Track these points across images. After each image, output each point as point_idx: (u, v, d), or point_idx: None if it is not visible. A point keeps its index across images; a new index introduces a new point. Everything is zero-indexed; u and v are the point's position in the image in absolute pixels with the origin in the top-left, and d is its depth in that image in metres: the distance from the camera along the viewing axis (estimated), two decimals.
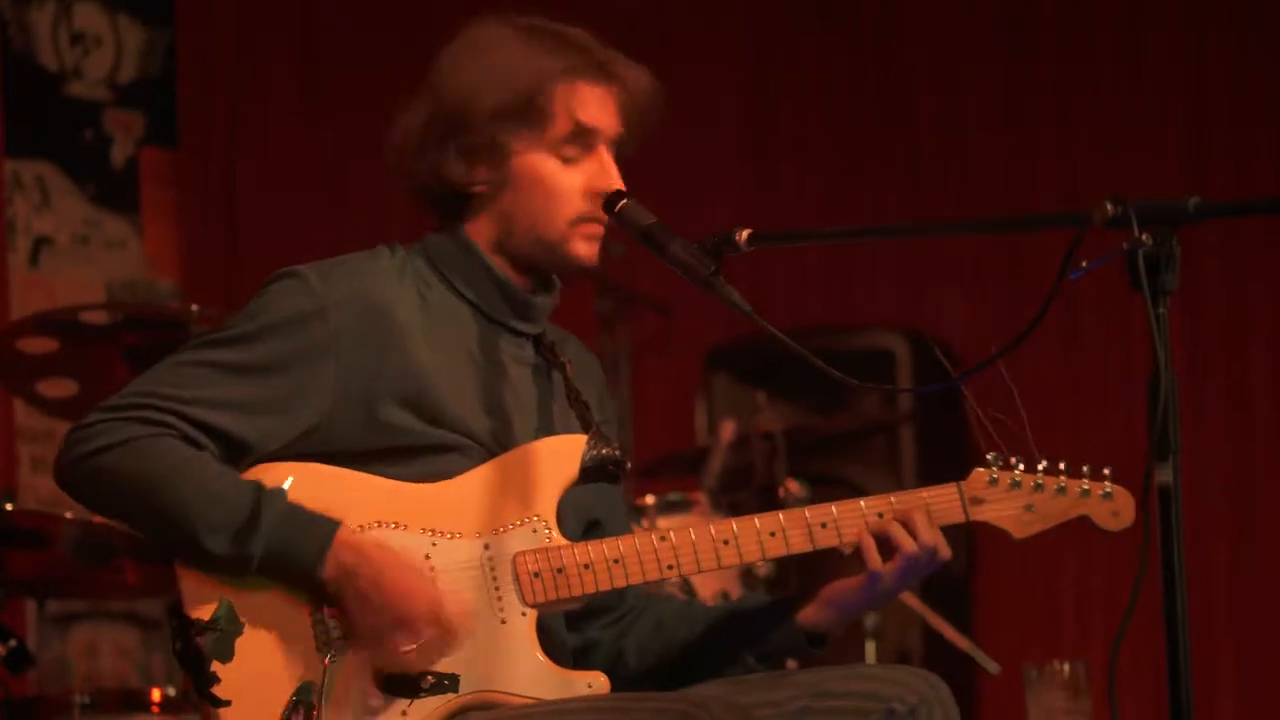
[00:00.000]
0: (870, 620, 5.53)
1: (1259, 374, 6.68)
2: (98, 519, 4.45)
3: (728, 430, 5.76)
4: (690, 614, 3.22)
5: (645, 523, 5.23)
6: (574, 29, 3.13)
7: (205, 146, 6.96)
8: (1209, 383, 6.63)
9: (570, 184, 3.04)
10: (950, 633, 4.73)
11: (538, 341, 3.16)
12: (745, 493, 5.72)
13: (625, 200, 3.00)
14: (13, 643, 4.30)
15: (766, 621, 3.14)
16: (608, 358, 6.73)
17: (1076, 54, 6.99)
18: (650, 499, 5.28)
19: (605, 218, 3.05)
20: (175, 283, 6.87)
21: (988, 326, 6.67)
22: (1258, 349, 6.68)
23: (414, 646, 2.85)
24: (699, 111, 7.12)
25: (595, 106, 3.08)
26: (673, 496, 5.35)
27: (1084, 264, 2.54)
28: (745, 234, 2.92)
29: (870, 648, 5.51)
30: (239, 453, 2.92)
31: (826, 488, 6.00)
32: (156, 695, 4.55)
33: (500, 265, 3.08)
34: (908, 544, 3.01)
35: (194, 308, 4.52)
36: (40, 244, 6.69)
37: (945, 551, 3.04)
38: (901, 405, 6.64)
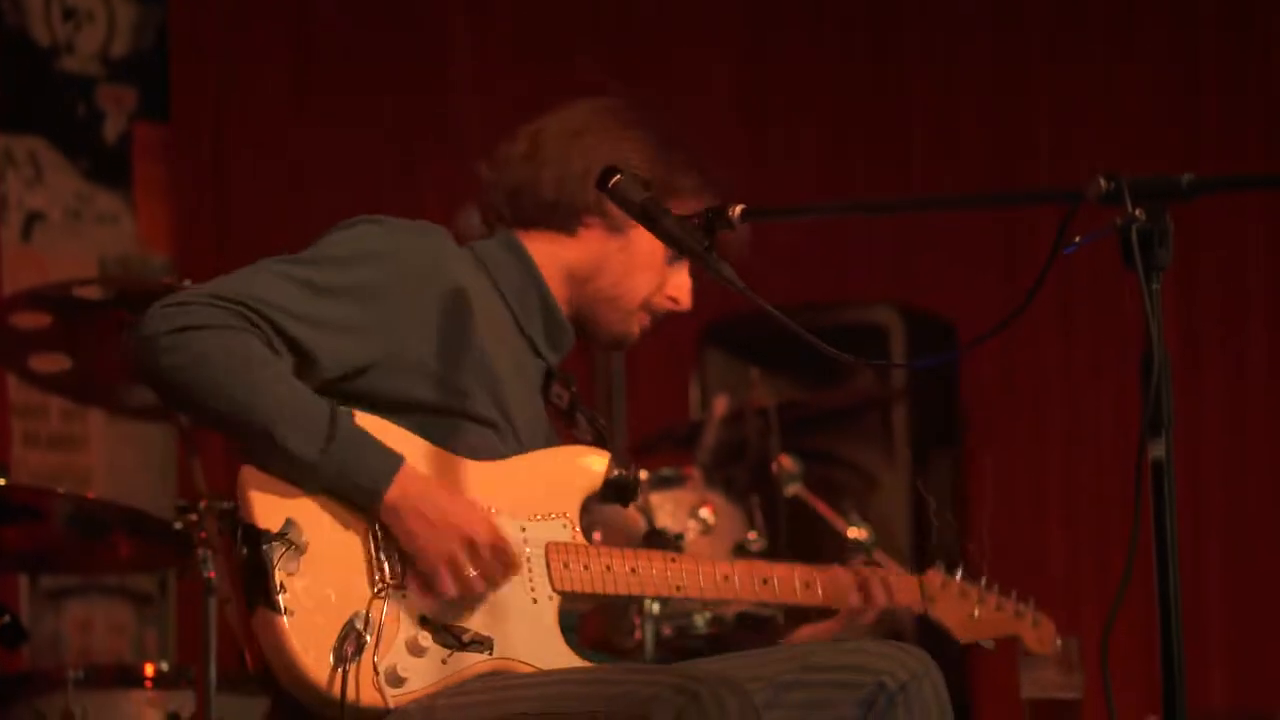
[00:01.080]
0: None
1: (1253, 349, 6.68)
2: (91, 494, 4.46)
3: (721, 406, 5.76)
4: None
5: (639, 498, 5.23)
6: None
7: (198, 121, 6.95)
8: (1203, 358, 6.63)
9: (663, 277, 3.24)
10: None
11: (548, 374, 3.28)
12: (738, 468, 5.73)
13: (619, 175, 3.01)
14: (6, 618, 4.29)
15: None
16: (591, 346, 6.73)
17: (1069, 27, 6.98)
18: (643, 474, 5.28)
19: (659, 314, 3.30)
20: (168, 258, 6.87)
21: (981, 302, 6.67)
22: (1252, 324, 6.68)
23: (476, 572, 2.95)
24: (691, 84, 7.12)
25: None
26: (666, 472, 5.36)
27: (1077, 239, 2.54)
28: (738, 209, 2.92)
29: None
30: (306, 368, 2.99)
31: (820, 463, 6.01)
32: (150, 670, 4.56)
33: (554, 289, 3.22)
34: (880, 597, 3.32)
35: (186, 283, 4.51)
36: (33, 219, 6.68)
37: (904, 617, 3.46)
38: (895, 381, 6.64)
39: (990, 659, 4.91)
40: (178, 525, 4.36)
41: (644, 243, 3.13)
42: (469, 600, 2.99)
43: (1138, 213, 2.50)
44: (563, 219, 3.20)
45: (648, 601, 4.58)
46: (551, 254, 3.22)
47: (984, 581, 3.44)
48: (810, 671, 3.04)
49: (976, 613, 3.44)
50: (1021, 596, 3.50)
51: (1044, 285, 2.57)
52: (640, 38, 7.13)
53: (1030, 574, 6.72)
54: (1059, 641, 4.24)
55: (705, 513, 5.19)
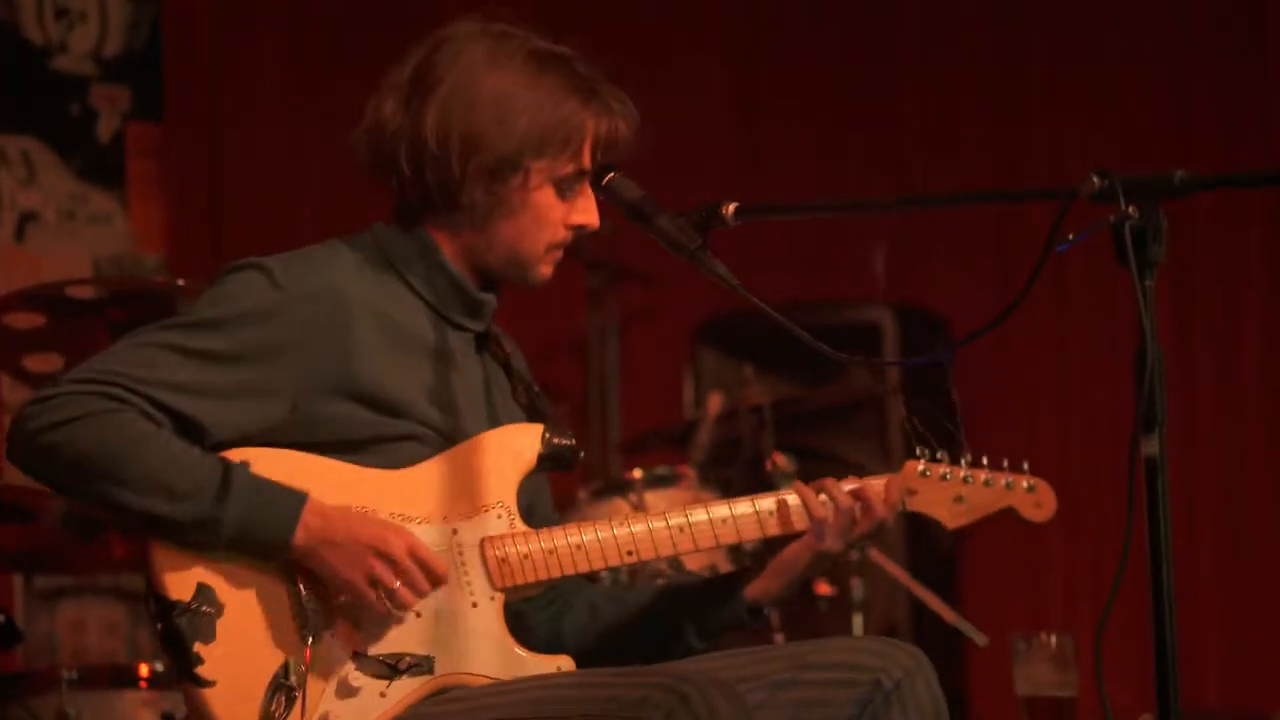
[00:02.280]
0: (858, 593, 5.53)
1: (1246, 346, 6.68)
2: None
3: (715, 404, 5.76)
4: (624, 597, 3.31)
5: (633, 497, 5.24)
6: (578, 56, 3.18)
7: (191, 121, 6.94)
8: (1196, 355, 6.64)
9: (559, 215, 3.11)
10: (937, 605, 4.74)
11: (481, 337, 3.20)
12: (733, 467, 5.72)
13: (612, 174, 3.01)
14: (0, 618, 4.29)
15: (708, 598, 3.24)
16: (595, 331, 6.73)
17: (1063, 27, 6.98)
18: (638, 473, 5.28)
19: (571, 242, 3.14)
20: (161, 257, 6.86)
21: (975, 299, 6.68)
22: (1245, 322, 6.69)
23: (399, 584, 2.88)
24: (687, 83, 7.12)
25: (600, 148, 3.13)
26: (660, 470, 5.36)
27: (1071, 237, 2.55)
28: (732, 207, 2.92)
29: (858, 620, 5.51)
30: (195, 438, 2.92)
31: (814, 461, 6.00)
32: (144, 670, 4.55)
33: (458, 267, 3.12)
34: (844, 498, 3.15)
35: (180, 282, 4.51)
36: (26, 219, 6.68)
37: (882, 512, 3.19)
38: (888, 378, 6.64)
39: (985, 656, 4.92)
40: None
41: (522, 201, 3.07)
42: (403, 623, 2.94)
43: (1131, 210, 2.50)
44: (440, 209, 3.10)
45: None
46: (447, 236, 3.13)
47: (966, 459, 3.30)
48: (805, 670, 3.02)
49: (963, 494, 3.29)
50: (1014, 465, 3.35)
51: (1037, 282, 2.57)
52: (636, 38, 7.12)
53: (1025, 571, 6.74)
54: (1053, 638, 4.25)
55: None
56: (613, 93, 3.14)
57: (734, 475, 5.67)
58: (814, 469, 5.77)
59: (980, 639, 4.46)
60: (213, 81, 6.97)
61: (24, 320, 4.43)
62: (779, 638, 4.83)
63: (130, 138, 6.92)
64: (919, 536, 6.37)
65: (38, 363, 4.54)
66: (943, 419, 3.22)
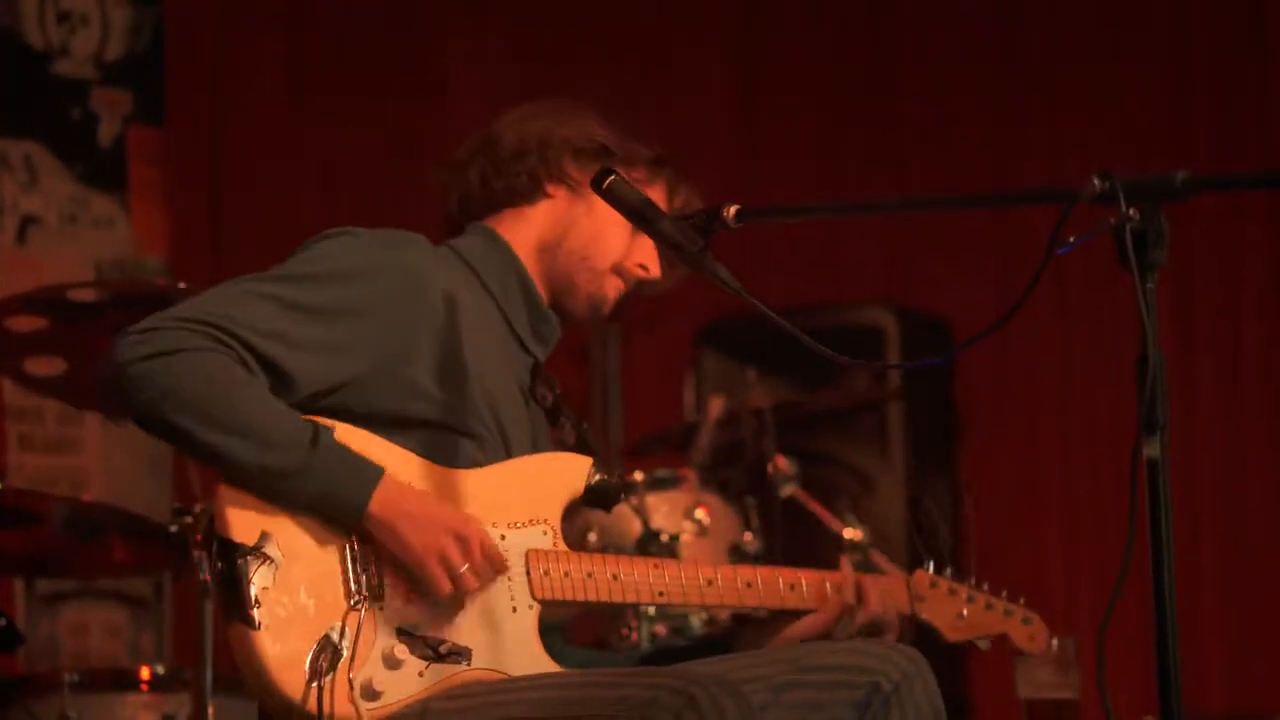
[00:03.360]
0: None
1: (1247, 349, 6.68)
2: (86, 497, 4.46)
3: (716, 407, 5.76)
4: (609, 661, 3.41)
5: (634, 499, 5.24)
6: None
7: (193, 124, 6.95)
8: (1197, 357, 6.64)
9: (624, 244, 3.25)
10: None
11: (534, 370, 3.28)
12: (734, 469, 5.72)
13: (613, 176, 3.02)
14: (2, 621, 4.29)
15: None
16: (597, 335, 6.73)
17: (1063, 28, 6.98)
18: (639, 475, 5.28)
19: (631, 282, 3.28)
20: (164, 260, 6.87)
21: (976, 303, 6.67)
22: (1246, 324, 6.69)
23: (466, 566, 2.93)
24: (687, 85, 7.12)
25: (666, 203, 3.26)
26: (661, 473, 5.36)
27: (1072, 239, 2.54)
28: (733, 210, 2.92)
29: None
30: (281, 387, 2.97)
31: (815, 464, 6.00)
32: (146, 674, 4.56)
33: (532, 282, 3.23)
34: (876, 603, 3.32)
35: (181, 285, 4.52)
36: (28, 223, 6.68)
37: (893, 633, 3.36)
38: (890, 382, 6.65)
39: (987, 659, 4.92)
40: (173, 528, 4.36)
41: (600, 210, 3.13)
42: (448, 610, 2.98)
43: (1132, 212, 2.50)
44: (524, 191, 3.23)
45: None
46: (521, 230, 3.23)
47: (972, 580, 3.45)
48: (806, 673, 3.04)
49: (965, 612, 3.43)
50: (1012, 596, 3.48)
51: (1039, 285, 2.57)
52: (636, 39, 7.13)
53: (1027, 574, 6.73)
54: (1054, 641, 4.26)
55: (701, 514, 5.20)
56: (687, 179, 3.32)
57: (735, 478, 5.67)
58: (815, 472, 5.80)
59: (981, 642, 4.46)
60: (214, 85, 6.98)
61: (26, 323, 4.43)
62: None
63: (131, 141, 6.92)
64: (917, 545, 6.36)
65: (39, 366, 4.54)
66: (956, 541, 3.50)
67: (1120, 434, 6.59)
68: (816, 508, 5.28)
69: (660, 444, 6.15)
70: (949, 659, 3.29)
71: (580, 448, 3.27)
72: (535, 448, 3.22)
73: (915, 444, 6.58)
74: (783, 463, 5.33)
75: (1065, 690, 4.36)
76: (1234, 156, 6.57)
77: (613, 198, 3.01)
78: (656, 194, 3.24)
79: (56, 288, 4.45)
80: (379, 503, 2.91)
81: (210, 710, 4.19)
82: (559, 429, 3.30)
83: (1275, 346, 6.67)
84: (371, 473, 2.92)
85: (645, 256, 3.26)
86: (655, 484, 5.30)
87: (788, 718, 3.01)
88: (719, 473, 5.70)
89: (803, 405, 6.21)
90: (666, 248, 2.95)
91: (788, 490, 5.31)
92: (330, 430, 2.93)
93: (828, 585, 3.29)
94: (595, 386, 6.87)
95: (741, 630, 3.39)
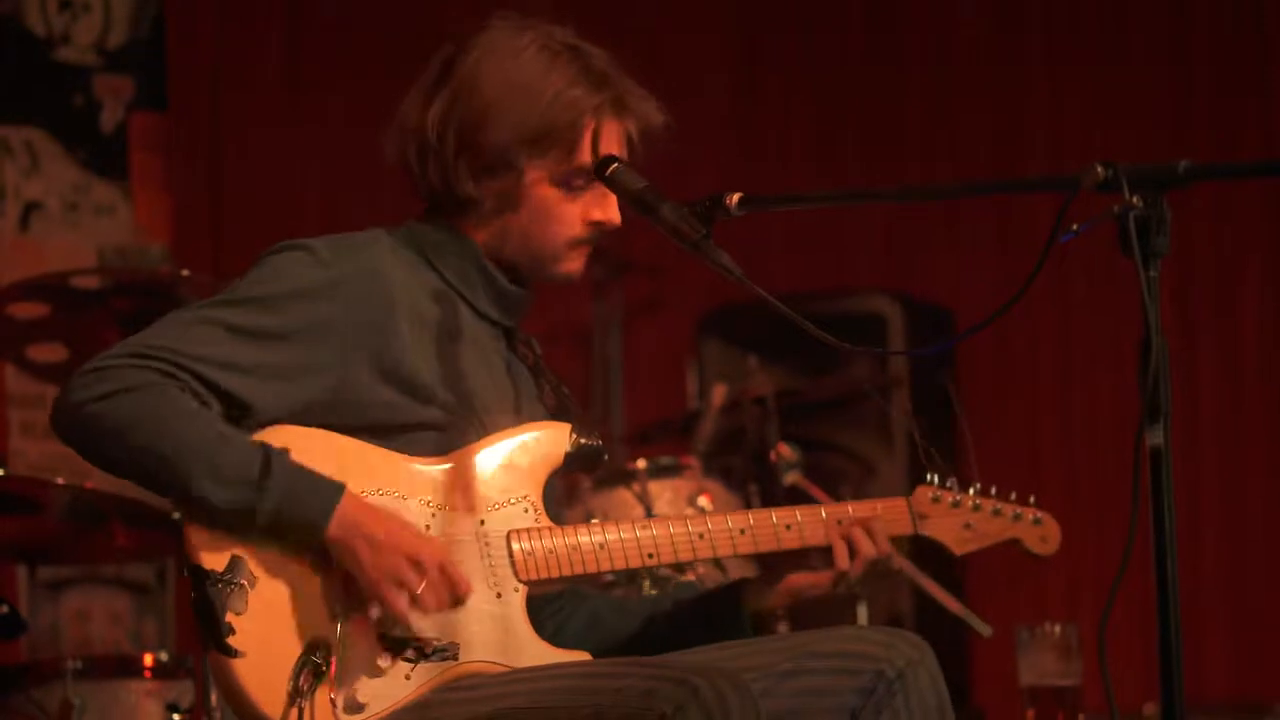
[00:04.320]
0: None
1: (1249, 337, 6.68)
2: (89, 484, 4.46)
3: (719, 394, 5.76)
4: (627, 606, 3.33)
5: (637, 487, 5.24)
6: (598, 51, 3.17)
7: (195, 111, 6.94)
8: (1200, 345, 6.64)
9: (572, 213, 3.11)
10: (942, 595, 4.74)
11: (509, 334, 3.22)
12: (737, 457, 5.73)
13: (616, 165, 3.01)
14: (4, 608, 4.29)
15: (711, 608, 3.26)
16: (600, 322, 6.73)
17: (1064, 19, 6.98)
18: (642, 463, 5.28)
19: (594, 239, 3.15)
20: (165, 247, 6.87)
21: (979, 290, 6.68)
22: (1248, 313, 6.69)
23: (424, 584, 2.88)
24: (687, 73, 7.12)
25: (614, 144, 3.12)
26: (664, 460, 5.36)
27: (1074, 227, 2.54)
28: (736, 198, 2.92)
29: (862, 611, 5.51)
30: (239, 415, 2.93)
31: (818, 452, 6.01)
32: (148, 660, 4.55)
33: (487, 259, 3.14)
34: (868, 548, 3.18)
35: (184, 272, 4.52)
36: (30, 209, 6.68)
37: (897, 561, 3.25)
38: (893, 369, 6.65)
39: (989, 646, 4.92)
40: (175, 515, 4.36)
41: (526, 197, 3.08)
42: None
43: (1135, 200, 2.50)
44: (456, 212, 3.14)
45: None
46: (478, 228, 3.14)
47: (976, 487, 3.32)
48: (808, 660, 3.01)
49: (971, 521, 3.30)
50: (1021, 497, 3.36)
51: (1041, 273, 2.57)
52: (635, 28, 7.12)
53: (1028, 562, 6.73)
54: (1057, 627, 4.25)
55: (703, 501, 5.19)
56: (630, 89, 3.14)
57: (738, 466, 5.67)
58: (818, 459, 5.80)
59: (984, 629, 4.46)
60: (216, 72, 6.98)
61: (28, 310, 4.44)
62: (783, 627, 4.83)
63: (134, 128, 6.92)
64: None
65: (42, 353, 4.54)
66: (956, 444, 3.30)
67: (1122, 421, 6.60)
68: (819, 495, 5.28)
69: (663, 431, 6.15)
70: (951, 646, 3.27)
71: (559, 412, 3.21)
72: (520, 414, 3.16)
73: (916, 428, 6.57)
74: (785, 450, 5.33)
75: (1067, 677, 4.36)
76: (1234, 151, 6.56)
77: (615, 186, 3.01)
78: (610, 139, 3.10)
79: (59, 275, 4.46)
80: (337, 525, 2.87)
81: (213, 697, 4.19)
82: (540, 391, 3.25)
83: (1275, 334, 6.67)
84: (329, 494, 2.88)
85: (598, 209, 3.12)
86: (658, 471, 5.30)
87: (791, 705, 2.99)
88: (721, 460, 5.71)
89: (805, 393, 6.21)
90: (669, 235, 2.94)
91: (790, 477, 5.31)
92: (284, 452, 2.88)
93: (823, 515, 3.19)
94: (598, 374, 6.87)
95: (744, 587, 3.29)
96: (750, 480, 5.46)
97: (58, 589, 6.47)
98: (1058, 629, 4.36)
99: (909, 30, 7.24)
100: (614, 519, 4.75)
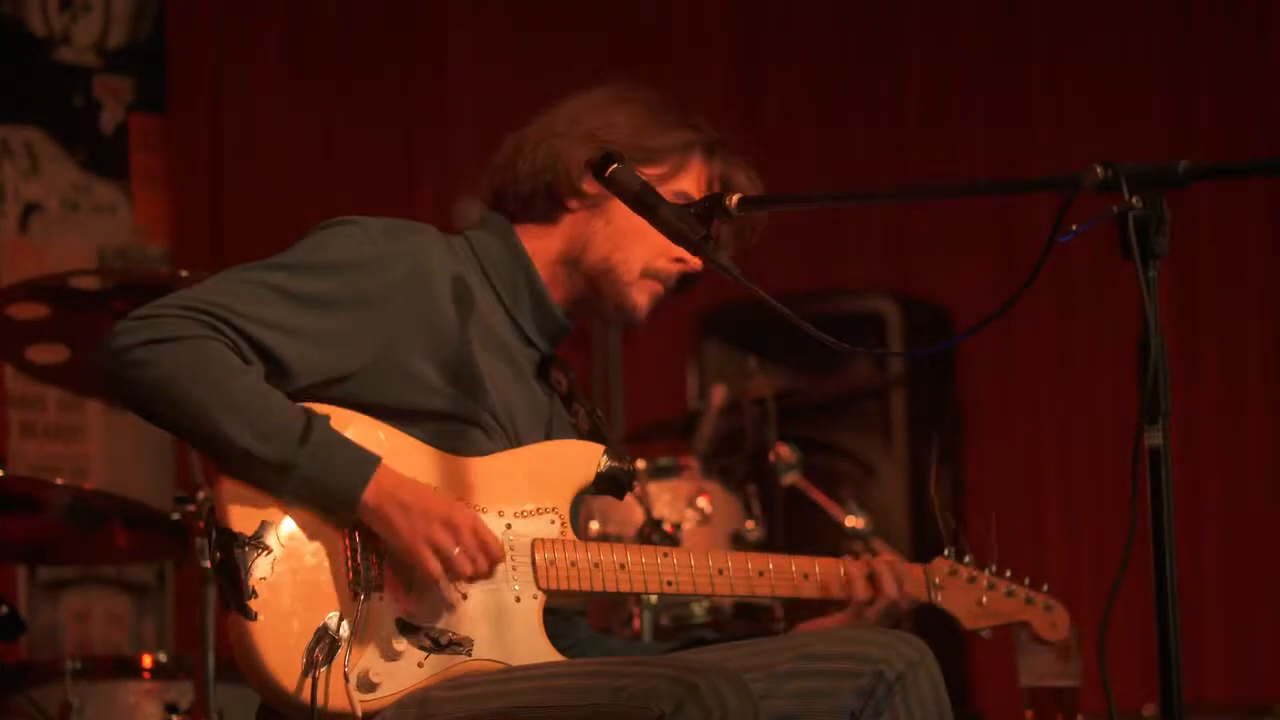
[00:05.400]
0: None
1: (1250, 337, 6.68)
2: (88, 485, 4.46)
3: (719, 395, 5.75)
4: (640, 649, 3.41)
5: (636, 488, 5.23)
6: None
7: (194, 112, 6.94)
8: (1200, 345, 6.64)
9: (660, 241, 3.09)
10: None
11: (545, 361, 3.26)
12: (736, 458, 5.72)
13: (615, 164, 3.01)
14: (3, 609, 4.29)
15: None
16: (598, 322, 6.73)
17: (1065, 18, 6.98)
18: (641, 464, 5.28)
19: (672, 282, 3.23)
20: (165, 248, 6.87)
21: (978, 290, 6.67)
22: (1249, 313, 6.69)
23: (459, 550, 2.91)
24: (688, 72, 7.12)
25: (704, 186, 3.20)
26: (663, 461, 5.36)
27: (1074, 227, 2.54)
28: (735, 198, 2.93)
29: None
30: (280, 377, 2.95)
31: (818, 452, 6.00)
32: (148, 661, 4.56)
33: (545, 286, 3.19)
34: (891, 588, 3.25)
35: (183, 273, 4.52)
36: (30, 210, 6.68)
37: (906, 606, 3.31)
38: (892, 369, 6.65)
39: (988, 647, 4.91)
40: (175, 516, 4.37)
41: (628, 213, 3.09)
42: (450, 601, 2.96)
43: (1134, 200, 2.50)
44: (544, 209, 3.19)
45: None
46: (542, 244, 3.20)
47: (992, 568, 3.38)
48: (808, 661, 3.02)
49: (984, 599, 3.36)
50: (1034, 584, 3.43)
51: (1041, 273, 2.56)
52: (637, 27, 7.12)
53: (1028, 562, 6.73)
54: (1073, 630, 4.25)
55: (703, 502, 5.19)
56: (732, 149, 3.27)
57: (737, 466, 5.67)
58: (817, 460, 5.80)
59: (984, 631, 4.46)
60: (216, 73, 6.98)
61: (28, 311, 4.43)
62: (783, 628, 4.84)
63: (134, 129, 6.92)
64: (921, 533, 6.37)
65: (41, 354, 4.54)
66: (969, 528, 3.36)
67: (1122, 422, 6.60)
68: (818, 496, 5.28)
69: (662, 432, 6.15)
70: (950, 646, 3.27)
71: (592, 435, 3.24)
72: (549, 436, 3.20)
73: (917, 433, 6.58)
74: (785, 451, 5.33)
75: (1067, 678, 4.35)
76: (1236, 152, 6.56)
77: (613, 185, 3.01)
78: (689, 182, 3.19)
79: (58, 275, 4.45)
80: (373, 492, 2.90)
81: (213, 698, 4.20)
82: (573, 416, 3.28)
83: (1277, 335, 6.66)
84: (367, 461, 2.91)
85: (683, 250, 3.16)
86: (657, 472, 5.30)
87: (791, 706, 3.00)
88: (721, 461, 5.70)
89: (805, 393, 6.21)
90: (668, 235, 2.94)
91: (789, 478, 5.31)
92: (325, 418, 2.92)
93: (841, 571, 3.24)
94: (597, 374, 6.87)
95: (745, 623, 3.35)
96: (749, 481, 5.45)
97: (57, 589, 6.47)
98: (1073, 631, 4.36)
99: (909, 30, 7.24)
100: (614, 520, 4.79)
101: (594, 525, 5.10)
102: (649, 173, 3.08)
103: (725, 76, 7.40)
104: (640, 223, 3.04)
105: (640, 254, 3.18)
